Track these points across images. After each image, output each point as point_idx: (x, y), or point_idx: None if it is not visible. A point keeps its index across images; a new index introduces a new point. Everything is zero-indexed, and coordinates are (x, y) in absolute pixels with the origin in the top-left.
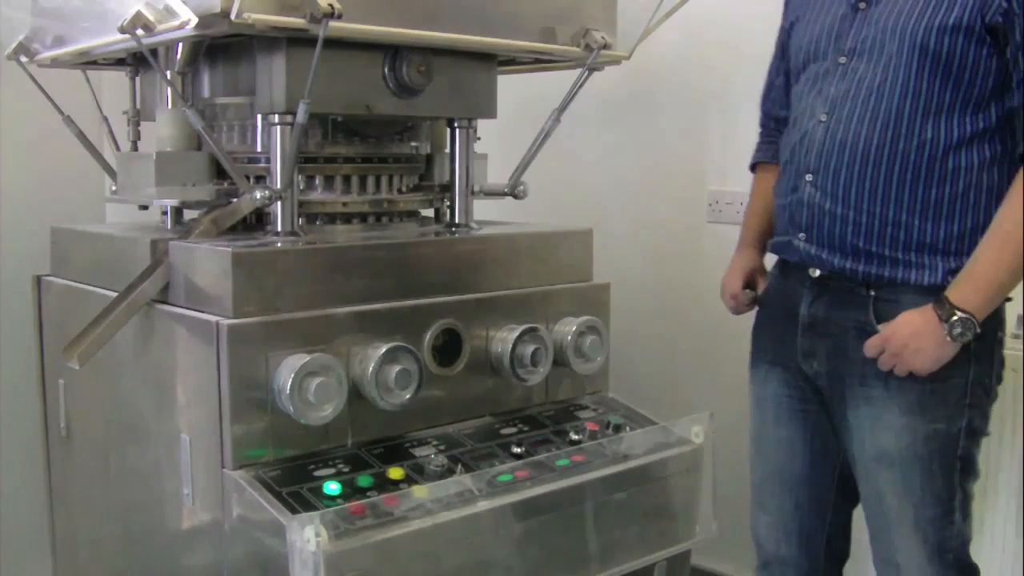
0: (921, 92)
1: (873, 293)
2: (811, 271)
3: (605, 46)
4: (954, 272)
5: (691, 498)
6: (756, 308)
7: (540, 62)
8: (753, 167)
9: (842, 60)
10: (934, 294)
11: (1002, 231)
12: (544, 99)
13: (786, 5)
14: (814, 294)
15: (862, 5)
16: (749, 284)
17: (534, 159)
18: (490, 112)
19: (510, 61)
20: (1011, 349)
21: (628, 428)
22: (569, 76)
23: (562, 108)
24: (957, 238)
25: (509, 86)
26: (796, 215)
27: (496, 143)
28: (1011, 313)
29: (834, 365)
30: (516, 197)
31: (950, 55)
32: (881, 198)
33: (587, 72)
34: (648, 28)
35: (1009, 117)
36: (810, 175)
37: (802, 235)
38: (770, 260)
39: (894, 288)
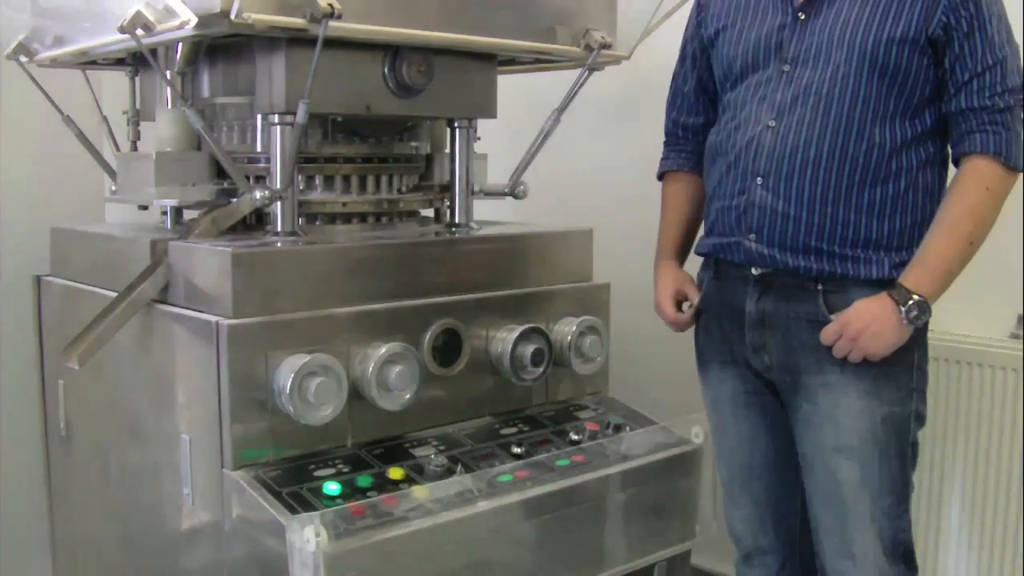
0: (870, 99)
1: (821, 287)
2: (753, 269)
3: (605, 46)
4: (898, 266)
5: (691, 498)
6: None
7: (540, 62)
8: (661, 176)
9: (786, 68)
10: (880, 286)
11: (950, 221)
12: (544, 99)
13: (700, 13)
14: (759, 291)
15: (801, 16)
16: (683, 297)
17: (534, 159)
18: (490, 112)
19: (510, 61)
20: (1011, 349)
21: (628, 428)
22: (569, 76)
23: (562, 108)
24: (898, 233)
25: (510, 86)
26: (746, 216)
27: (497, 143)
28: (1011, 313)
29: (786, 357)
30: (516, 197)
31: (896, 65)
32: (832, 199)
33: (587, 72)
34: (648, 28)
35: (943, 121)
36: (760, 178)
37: (752, 236)
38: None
39: (842, 282)
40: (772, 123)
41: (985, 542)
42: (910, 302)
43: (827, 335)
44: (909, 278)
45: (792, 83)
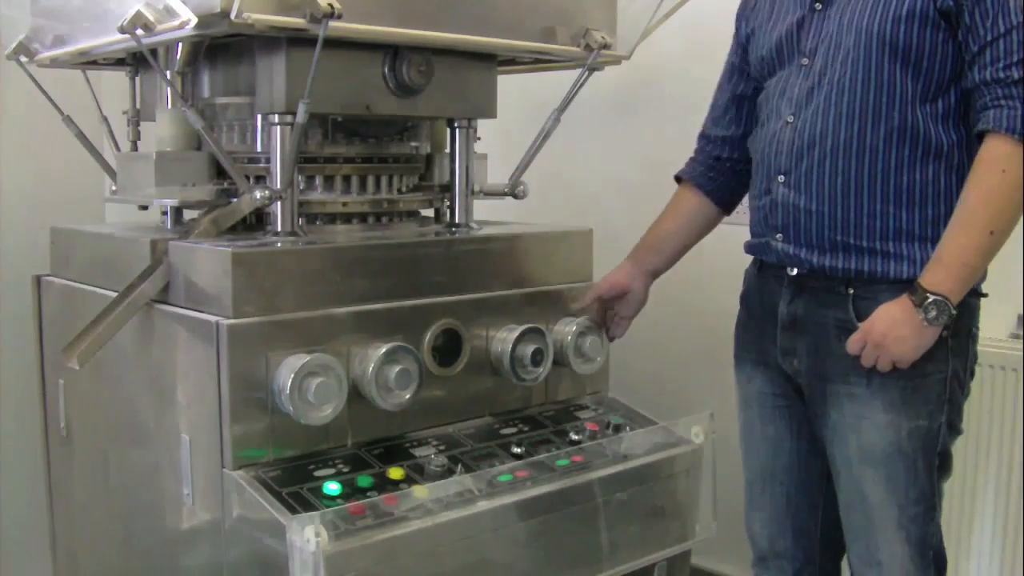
0: (883, 83)
1: (852, 291)
2: (789, 269)
3: (605, 46)
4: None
5: (691, 498)
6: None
7: (540, 62)
8: (678, 180)
9: (804, 62)
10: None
11: (966, 212)
12: (544, 99)
13: (738, 22)
14: (792, 292)
15: (818, 6)
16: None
17: (534, 159)
18: (490, 112)
19: (510, 61)
20: (1011, 349)
21: (628, 428)
22: (569, 76)
23: (562, 108)
24: (932, 223)
25: (509, 86)
26: (771, 216)
27: (497, 143)
28: (1011, 313)
29: (815, 363)
30: (516, 197)
31: (907, 44)
32: (855, 189)
33: (587, 72)
34: (648, 28)
35: (967, 99)
36: (782, 176)
37: (779, 235)
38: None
39: (872, 285)
40: (790, 118)
41: (985, 541)
42: (927, 302)
43: (852, 344)
44: (927, 277)
45: (809, 76)
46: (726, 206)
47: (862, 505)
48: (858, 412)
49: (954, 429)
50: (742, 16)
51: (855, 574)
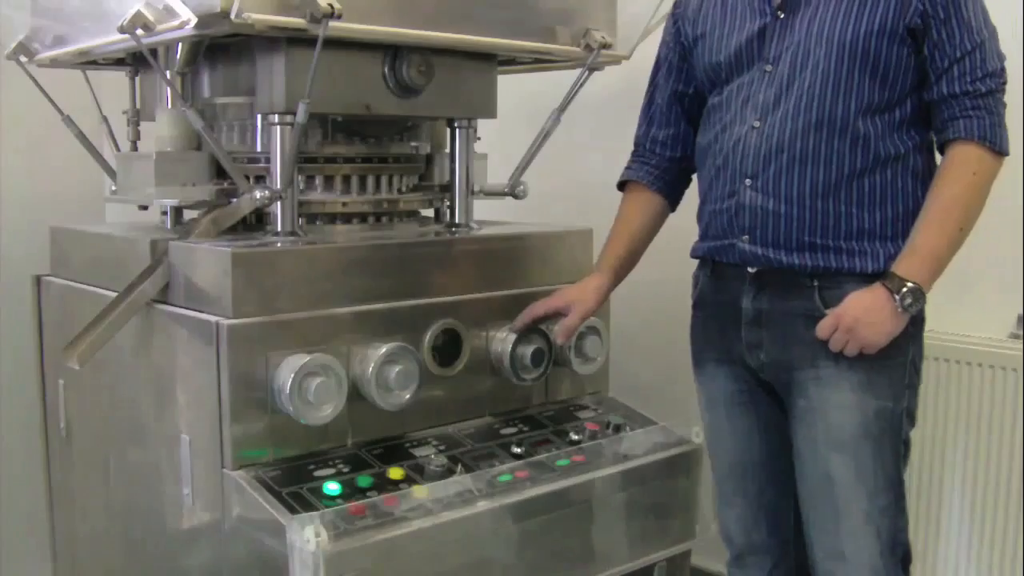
0: (851, 92)
1: (817, 283)
2: (749, 268)
3: (605, 46)
4: (892, 258)
5: (691, 498)
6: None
7: (540, 62)
8: (622, 186)
9: (768, 68)
10: (874, 280)
11: (939, 207)
12: (544, 99)
13: (677, 23)
14: (756, 288)
15: (781, 14)
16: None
17: (534, 159)
18: (490, 112)
19: (510, 61)
20: (1011, 349)
21: (628, 428)
22: (569, 76)
23: (562, 108)
24: (891, 222)
25: (509, 86)
26: (737, 219)
27: (497, 143)
28: (1011, 313)
29: (781, 353)
30: (516, 197)
31: (876, 56)
32: (822, 193)
33: (587, 72)
34: (648, 28)
35: (925, 108)
36: (749, 179)
37: (745, 237)
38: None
39: (837, 277)
40: (756, 123)
41: (985, 542)
42: (904, 289)
43: (823, 329)
44: (901, 266)
45: (774, 82)
46: (675, 205)
47: (829, 492)
48: (825, 396)
49: (913, 417)
50: (683, 18)
51: (817, 567)
